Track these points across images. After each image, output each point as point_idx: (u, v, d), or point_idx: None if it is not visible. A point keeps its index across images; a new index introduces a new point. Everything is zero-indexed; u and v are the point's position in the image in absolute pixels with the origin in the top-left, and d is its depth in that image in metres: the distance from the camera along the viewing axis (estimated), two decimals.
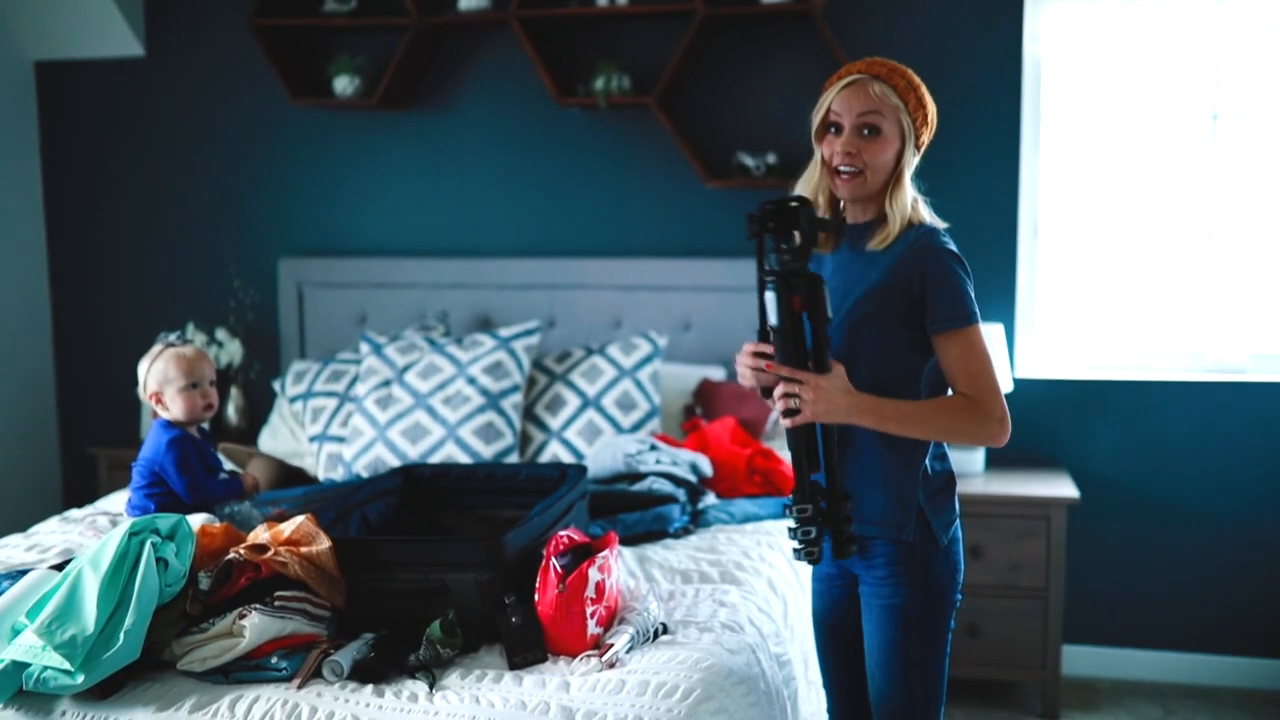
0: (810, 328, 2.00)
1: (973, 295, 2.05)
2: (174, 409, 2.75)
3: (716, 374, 3.92)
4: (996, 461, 3.91)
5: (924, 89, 2.09)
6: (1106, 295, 3.95)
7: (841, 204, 2.14)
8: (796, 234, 1.97)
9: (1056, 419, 3.90)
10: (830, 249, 2.14)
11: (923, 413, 2.01)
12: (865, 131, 2.04)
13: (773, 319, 2.00)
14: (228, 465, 2.99)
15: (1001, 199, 3.85)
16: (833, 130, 2.07)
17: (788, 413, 1.99)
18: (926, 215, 2.11)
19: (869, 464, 2.08)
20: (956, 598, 2.13)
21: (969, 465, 3.75)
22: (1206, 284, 3.87)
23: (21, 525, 3.90)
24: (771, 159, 3.82)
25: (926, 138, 2.10)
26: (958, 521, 2.15)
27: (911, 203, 2.09)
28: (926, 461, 2.10)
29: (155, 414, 2.82)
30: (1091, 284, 3.95)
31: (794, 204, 1.97)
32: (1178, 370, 3.87)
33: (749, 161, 3.83)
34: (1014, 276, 3.88)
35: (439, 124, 4.23)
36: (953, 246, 2.06)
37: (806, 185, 2.13)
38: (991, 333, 3.70)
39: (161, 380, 2.74)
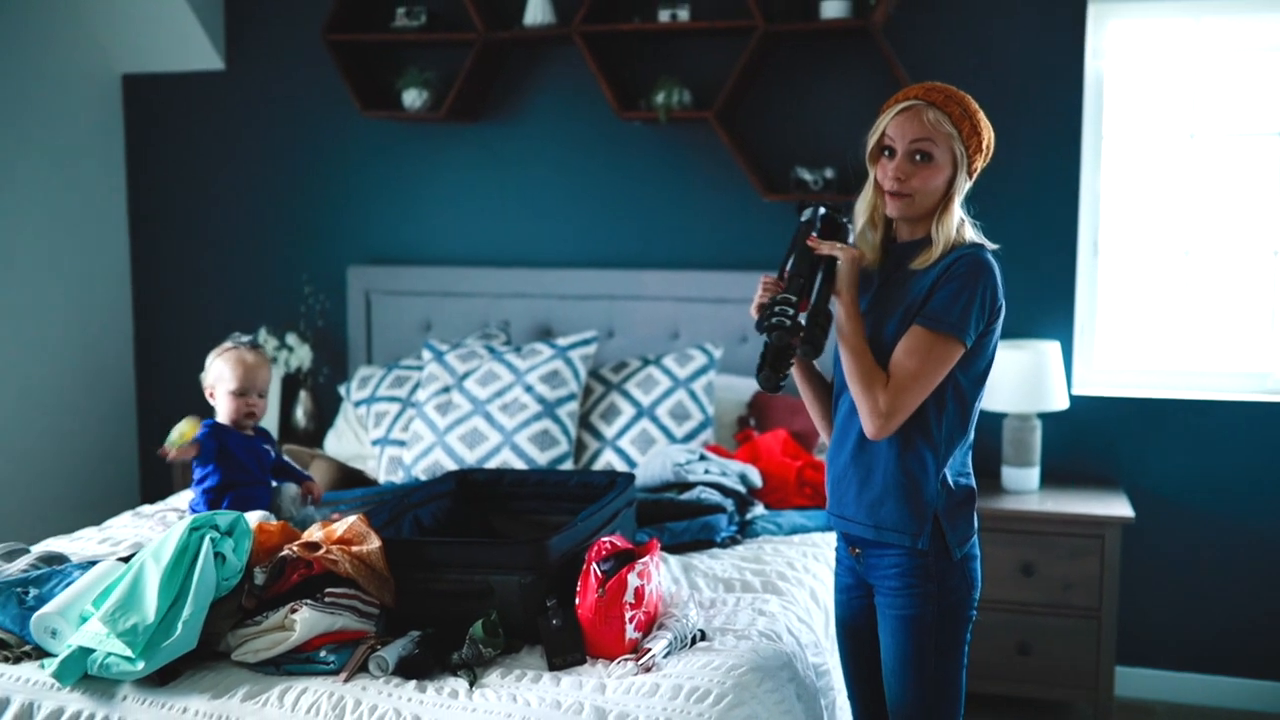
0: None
1: (975, 314, 2.04)
2: (220, 409, 2.84)
3: None
4: (1051, 479, 3.88)
5: (980, 116, 2.10)
6: (1169, 314, 3.90)
7: (893, 223, 2.18)
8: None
9: (1114, 437, 3.86)
10: (875, 264, 2.18)
11: (862, 350, 2.07)
12: (917, 157, 2.07)
13: (804, 216, 2.18)
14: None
15: (1061, 215, 3.84)
16: (886, 154, 2.11)
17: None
18: (972, 236, 2.13)
19: (890, 474, 2.11)
20: (971, 613, 2.15)
21: (1023, 483, 3.74)
22: (1272, 303, 3.81)
23: (100, 520, 4.06)
24: (829, 174, 3.85)
25: (980, 164, 2.12)
26: (975, 538, 2.17)
27: (958, 225, 2.12)
28: (950, 476, 2.13)
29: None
30: (1153, 302, 3.91)
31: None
32: (1241, 391, 3.82)
33: (807, 176, 3.86)
34: (1073, 294, 3.86)
35: (504, 136, 4.33)
36: (990, 261, 2.08)
37: (863, 204, 2.18)
38: (1048, 350, 3.68)
39: (216, 378, 2.84)
